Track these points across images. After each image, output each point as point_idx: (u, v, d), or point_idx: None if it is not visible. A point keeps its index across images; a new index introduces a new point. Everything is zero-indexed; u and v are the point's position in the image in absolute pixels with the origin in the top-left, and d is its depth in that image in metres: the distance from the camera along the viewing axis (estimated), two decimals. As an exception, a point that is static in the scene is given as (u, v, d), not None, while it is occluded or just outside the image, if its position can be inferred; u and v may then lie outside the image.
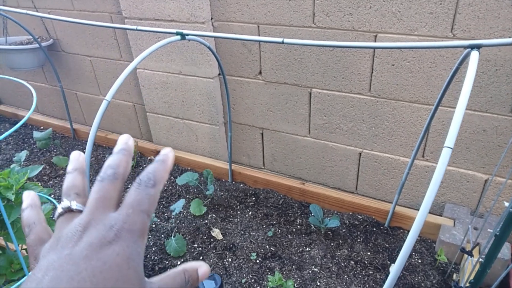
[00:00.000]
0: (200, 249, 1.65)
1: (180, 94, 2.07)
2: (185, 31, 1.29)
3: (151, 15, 1.88)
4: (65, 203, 0.33)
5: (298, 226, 1.75)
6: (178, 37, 1.29)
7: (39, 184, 1.10)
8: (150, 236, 1.72)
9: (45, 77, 2.66)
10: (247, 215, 1.83)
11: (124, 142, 0.34)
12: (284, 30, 1.67)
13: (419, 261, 1.54)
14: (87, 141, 2.54)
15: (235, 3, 1.72)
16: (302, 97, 1.78)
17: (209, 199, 1.92)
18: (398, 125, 1.63)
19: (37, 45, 2.22)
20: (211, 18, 1.82)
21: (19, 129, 2.72)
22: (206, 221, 1.79)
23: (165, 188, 2.04)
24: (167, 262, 1.58)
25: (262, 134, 2.03)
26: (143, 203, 0.30)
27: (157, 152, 2.30)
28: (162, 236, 1.72)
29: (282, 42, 1.13)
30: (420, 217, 0.67)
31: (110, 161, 0.33)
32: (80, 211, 0.32)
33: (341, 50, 1.58)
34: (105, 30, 2.18)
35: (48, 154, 2.39)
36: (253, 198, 1.95)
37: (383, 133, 1.68)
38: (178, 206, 1.66)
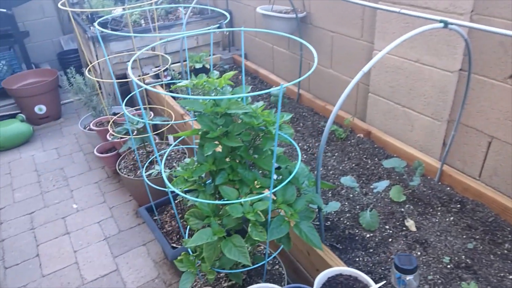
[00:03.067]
0: (390, 231, 1.70)
1: (410, 82, 2.07)
2: (450, 20, 1.29)
3: (406, 0, 1.92)
4: None
5: (505, 251, 1.58)
6: (441, 24, 1.30)
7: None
8: (346, 203, 1.86)
9: (288, 44, 3.05)
10: (447, 219, 1.76)
11: None
12: None
13: None
14: (307, 106, 2.85)
15: (507, -3, 1.58)
16: (559, 113, 1.54)
17: (410, 190, 1.92)
18: None
19: (293, 16, 2.57)
20: (471, 11, 1.73)
21: (257, 83, 3.25)
22: (402, 210, 1.81)
23: (369, 166, 2.13)
24: (357, 231, 1.70)
25: (490, 143, 1.86)
26: None
27: (367, 132, 2.40)
28: (357, 207, 1.83)
29: None
30: None
31: None
32: None
33: None
34: (354, 11, 2.34)
35: (275, 109, 2.80)
36: (458, 206, 1.84)
37: None
38: (381, 185, 1.74)
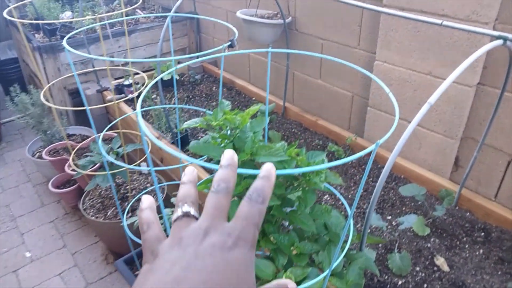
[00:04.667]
0: (423, 274, 1.48)
1: (419, 95, 1.89)
2: (510, 35, 1.09)
3: (418, 6, 1.72)
4: (185, 208, 0.37)
5: (549, 288, 1.42)
6: (500, 41, 1.09)
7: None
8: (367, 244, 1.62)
9: (268, 52, 2.77)
10: (477, 253, 1.58)
11: (230, 157, 0.38)
12: None
13: None
14: (294, 121, 2.59)
15: (541, 5, 1.42)
16: None
17: (431, 220, 1.72)
18: None
19: (280, 21, 2.29)
20: (495, 19, 1.56)
21: (234, 95, 2.94)
22: (429, 245, 1.61)
23: (383, 192, 1.92)
24: (387, 278, 1.47)
25: (510, 162, 1.71)
26: (254, 217, 0.34)
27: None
28: (379, 246, 1.61)
29: None
30: None
31: (221, 175, 0.37)
32: (196, 218, 0.36)
33: None
34: (350, 16, 2.11)
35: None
36: (482, 234, 1.67)
37: None
38: (408, 220, 1.52)
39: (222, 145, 1.04)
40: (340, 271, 1.00)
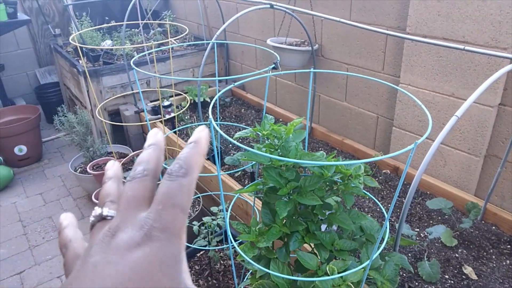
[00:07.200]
0: (451, 282, 1.56)
1: (443, 116, 2.00)
2: (528, 57, 1.21)
3: (440, 33, 1.86)
4: (96, 211, 0.31)
5: None
6: (519, 62, 1.22)
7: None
8: (395, 251, 1.71)
9: (295, 76, 2.95)
10: (504, 263, 1.64)
11: (153, 135, 0.32)
12: None
13: None
14: (321, 140, 2.72)
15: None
16: None
17: (458, 232, 1.80)
18: None
19: (308, 48, 2.47)
20: (514, 44, 1.68)
21: (262, 117, 3.10)
22: (457, 255, 1.68)
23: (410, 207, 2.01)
24: (417, 284, 1.54)
25: (533, 178, 1.79)
26: (174, 196, 0.26)
27: (394, 168, 2.29)
28: (409, 254, 1.69)
29: None
30: None
31: (139, 157, 0.31)
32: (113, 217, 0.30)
33: None
34: (374, 43, 2.27)
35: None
36: (508, 246, 1.74)
37: None
38: (437, 231, 1.61)
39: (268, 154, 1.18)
40: (377, 267, 1.11)
